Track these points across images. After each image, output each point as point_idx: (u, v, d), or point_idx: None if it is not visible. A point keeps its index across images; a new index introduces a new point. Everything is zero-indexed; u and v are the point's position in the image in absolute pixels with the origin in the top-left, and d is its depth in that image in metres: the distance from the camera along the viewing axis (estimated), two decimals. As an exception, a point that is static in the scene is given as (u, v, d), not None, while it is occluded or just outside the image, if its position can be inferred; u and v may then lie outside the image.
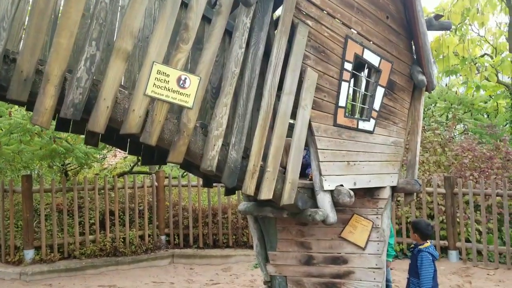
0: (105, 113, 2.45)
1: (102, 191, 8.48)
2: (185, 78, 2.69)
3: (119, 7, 2.81)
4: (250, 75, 3.03)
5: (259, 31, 3.06)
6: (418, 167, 8.35)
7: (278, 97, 3.27)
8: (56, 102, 2.34)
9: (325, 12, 3.53)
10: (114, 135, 3.31)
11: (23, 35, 2.43)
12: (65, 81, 2.38)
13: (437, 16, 4.59)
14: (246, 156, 3.09)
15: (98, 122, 2.44)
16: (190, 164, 3.31)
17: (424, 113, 12.61)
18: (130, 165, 11.05)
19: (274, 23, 3.38)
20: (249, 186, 3.05)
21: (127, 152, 3.54)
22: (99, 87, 2.46)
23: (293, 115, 3.37)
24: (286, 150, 3.34)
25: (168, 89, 2.64)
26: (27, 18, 2.38)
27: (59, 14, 2.61)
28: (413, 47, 4.51)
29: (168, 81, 2.64)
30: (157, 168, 10.99)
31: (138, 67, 3.21)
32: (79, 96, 2.38)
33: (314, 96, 3.39)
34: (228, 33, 3.20)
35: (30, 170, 10.15)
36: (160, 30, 2.58)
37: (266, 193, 3.12)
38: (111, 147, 9.11)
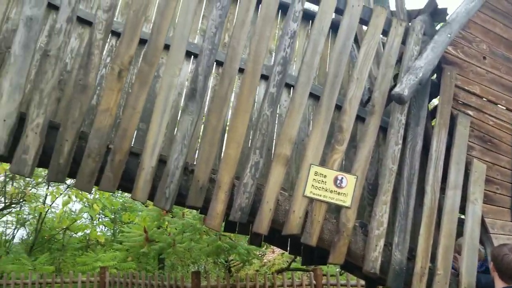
0: (268, 216, 2.59)
1: (262, 288, 8.57)
2: (342, 178, 2.73)
3: (277, 116, 3.07)
4: (409, 171, 2.93)
5: (415, 126, 3.00)
6: None
7: (442, 191, 3.06)
8: (226, 207, 2.57)
9: (487, 100, 3.33)
10: (276, 235, 3.43)
11: (197, 149, 2.80)
12: (233, 187, 2.62)
13: None
14: (411, 257, 2.89)
15: (262, 224, 2.58)
16: (351, 265, 3.21)
17: None
18: (287, 262, 11.12)
19: (430, 115, 3.29)
20: (418, 290, 2.80)
21: (288, 252, 3.60)
22: (262, 190, 2.64)
23: (461, 211, 3.10)
24: (457, 250, 3.03)
25: (326, 190, 2.70)
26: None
27: (227, 128, 2.95)
28: None
29: (326, 182, 2.70)
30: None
31: (294, 169, 3.38)
32: (246, 200, 2.58)
33: (485, 189, 3.09)
34: (381, 129, 3.20)
35: (198, 266, 10.92)
36: (316, 134, 2.72)
37: (438, 299, 2.81)
38: (269, 243, 9.34)
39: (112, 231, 12.52)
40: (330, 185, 2.70)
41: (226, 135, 2.81)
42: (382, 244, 2.76)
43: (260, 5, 2.74)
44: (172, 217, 7.88)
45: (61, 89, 2.68)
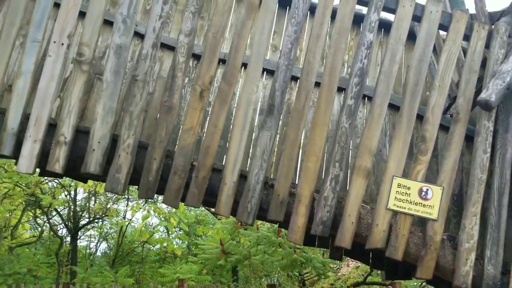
0: (351, 229, 2.56)
1: (338, 302, 8.42)
2: (427, 190, 2.64)
3: (354, 128, 3.04)
4: (500, 180, 2.77)
5: (504, 133, 2.84)
6: None
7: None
8: (307, 220, 2.58)
9: None
10: (357, 249, 3.37)
11: (274, 162, 2.83)
12: (313, 200, 2.62)
13: None
14: (506, 271, 2.72)
15: (345, 237, 2.56)
16: (437, 279, 3.07)
17: None
18: (362, 275, 10.83)
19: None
20: (515, 308, 2.62)
21: (370, 266, 3.52)
22: (343, 204, 2.62)
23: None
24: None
25: (410, 202, 2.62)
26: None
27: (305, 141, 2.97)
28: None
29: (410, 194, 2.63)
30: (390, 278, 10.41)
31: (373, 181, 3.31)
32: (327, 213, 2.57)
33: None
34: (466, 137, 3.06)
35: (271, 278, 10.96)
36: (398, 145, 2.66)
37: (540, 318, 2.61)
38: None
39: (187, 243, 12.92)
40: (414, 197, 2.62)
41: (304, 148, 2.83)
42: (473, 257, 2.63)
43: (335, 18, 2.75)
44: (245, 230, 8.01)
45: (144, 110, 2.85)
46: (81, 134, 2.60)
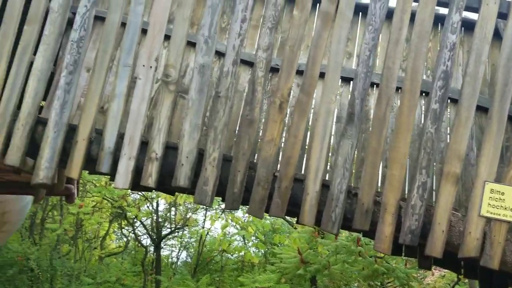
0: (441, 238, 2.47)
1: (423, 313, 8.06)
2: (524, 194, 2.48)
3: (441, 133, 2.93)
4: None
5: None
6: None
7: None
8: (394, 229, 2.53)
9: None
10: (447, 258, 3.24)
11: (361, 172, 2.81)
12: (400, 209, 2.56)
13: None
14: None
15: (435, 246, 2.47)
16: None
17: None
18: (449, 284, 10.28)
19: None
20: None
21: (462, 276, 3.36)
22: (432, 212, 2.54)
23: None
24: None
25: (505, 208, 2.48)
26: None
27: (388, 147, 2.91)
28: None
29: (504, 200, 2.49)
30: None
31: (460, 186, 3.17)
32: (415, 222, 2.50)
33: None
34: None
35: (350, 288, 10.73)
36: (488, 149, 2.53)
37: None
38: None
39: (263, 252, 13.05)
40: (510, 203, 2.47)
41: (388, 155, 2.78)
42: None
43: (414, 22, 2.69)
44: (322, 238, 7.94)
45: (227, 124, 2.95)
46: (170, 150, 2.76)
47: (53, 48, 2.79)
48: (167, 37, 2.86)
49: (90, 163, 2.77)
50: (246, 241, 12.55)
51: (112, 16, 2.80)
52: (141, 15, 2.78)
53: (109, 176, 3.03)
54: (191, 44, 3.07)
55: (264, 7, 3.51)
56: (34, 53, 2.85)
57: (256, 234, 10.98)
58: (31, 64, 2.83)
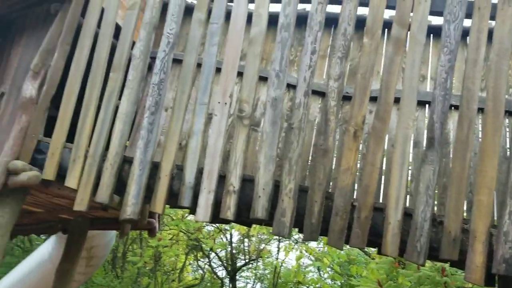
0: (542, 267, 2.27)
1: None
2: None
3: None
4: None
5: None
6: None
7: None
8: (486, 258, 2.37)
9: None
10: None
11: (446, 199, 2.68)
12: (491, 236, 2.40)
13: None
14: None
15: (536, 277, 2.28)
16: None
17: None
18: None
19: None
20: None
21: None
22: (529, 239, 2.35)
23: None
24: None
25: None
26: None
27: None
28: None
29: None
30: None
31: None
32: (509, 250, 2.33)
33: None
34: None
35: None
36: None
37: None
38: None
39: (340, 284, 12.64)
40: None
41: (473, 180, 2.64)
42: None
43: (492, 41, 2.59)
44: (402, 269, 7.56)
45: (302, 155, 2.97)
46: (246, 182, 2.82)
47: (136, 92, 3.01)
48: (238, 74, 2.98)
49: (171, 198, 2.90)
50: (321, 272, 12.26)
51: (188, 58, 2.98)
52: (215, 55, 2.92)
53: (184, 209, 3.15)
54: (261, 78, 3.16)
55: (330, 37, 3.56)
56: (119, 98, 3.08)
57: (332, 265, 10.69)
58: (116, 107, 3.06)
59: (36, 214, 4.45)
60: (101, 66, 3.09)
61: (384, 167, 3.14)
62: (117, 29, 3.18)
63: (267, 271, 13.14)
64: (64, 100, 3.09)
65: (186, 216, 10.33)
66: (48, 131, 3.19)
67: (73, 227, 4.70)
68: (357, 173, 2.90)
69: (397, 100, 2.72)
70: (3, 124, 3.28)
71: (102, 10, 3.19)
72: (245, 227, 9.38)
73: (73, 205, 2.95)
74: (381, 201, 3.00)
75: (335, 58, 2.75)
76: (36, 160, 3.08)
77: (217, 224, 10.48)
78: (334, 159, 3.10)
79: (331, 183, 3.08)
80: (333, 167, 3.10)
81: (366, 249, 9.75)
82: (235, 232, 11.67)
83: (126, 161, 2.99)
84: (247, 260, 12.02)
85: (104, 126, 2.98)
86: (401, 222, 2.52)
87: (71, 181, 2.93)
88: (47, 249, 5.87)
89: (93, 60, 3.12)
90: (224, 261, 12.00)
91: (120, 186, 2.97)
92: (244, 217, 2.93)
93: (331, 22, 3.31)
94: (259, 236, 11.84)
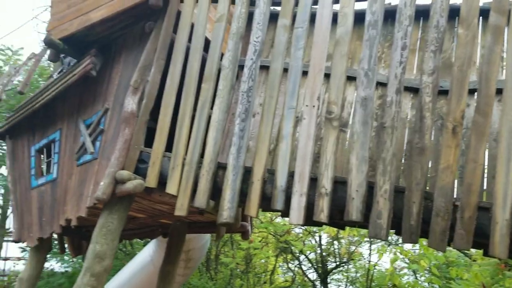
0: None
1: None
2: None
3: None
4: None
5: None
6: None
7: None
8: None
9: None
10: None
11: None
12: None
13: None
14: None
15: None
16: None
17: None
18: None
19: None
20: None
21: None
22: None
23: None
24: None
25: None
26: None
27: None
28: None
29: None
30: None
31: None
32: None
33: None
34: None
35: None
36: None
37: None
38: None
39: (438, 287, 11.98)
40: None
41: None
42: None
43: None
44: (509, 271, 6.98)
45: (396, 155, 2.88)
46: (337, 184, 2.80)
47: (227, 100, 3.12)
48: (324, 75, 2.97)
49: (264, 201, 2.96)
50: (418, 275, 11.72)
51: (274, 64, 3.03)
52: (301, 59, 2.94)
53: (275, 212, 3.19)
54: (347, 78, 3.12)
55: (419, 29, 3.42)
56: (211, 107, 3.22)
57: (429, 268, 10.17)
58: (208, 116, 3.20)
59: (139, 220, 4.78)
60: (193, 78, 3.25)
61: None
62: (206, 42, 3.33)
63: (359, 274, 12.85)
64: (162, 112, 3.29)
65: (275, 219, 10.44)
66: (147, 142, 3.43)
67: (173, 231, 4.98)
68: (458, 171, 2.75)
69: (497, 92, 2.54)
70: (109, 137, 3.57)
71: (192, 26, 3.36)
72: (334, 229, 9.26)
73: (173, 210, 3.13)
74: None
75: (428, 52, 2.63)
76: (139, 169, 3.32)
77: (305, 226, 10.46)
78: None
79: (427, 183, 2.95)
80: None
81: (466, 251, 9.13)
82: (324, 234, 11.56)
83: (219, 167, 3.11)
84: (338, 263, 11.84)
85: (199, 134, 3.13)
86: (509, 221, 2.35)
87: (171, 188, 3.12)
88: (148, 253, 6.29)
89: (186, 73, 3.29)
90: (314, 264, 11.94)
91: (214, 191, 3.10)
92: (336, 219, 2.91)
93: (419, 14, 3.18)
94: (349, 238, 11.63)
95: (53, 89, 4.13)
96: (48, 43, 3.89)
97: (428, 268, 10.10)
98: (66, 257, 10.56)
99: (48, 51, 4.32)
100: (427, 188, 2.81)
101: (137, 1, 3.43)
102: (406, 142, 3.15)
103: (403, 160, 3.15)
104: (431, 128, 2.60)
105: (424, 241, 6.03)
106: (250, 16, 3.27)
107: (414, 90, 3.19)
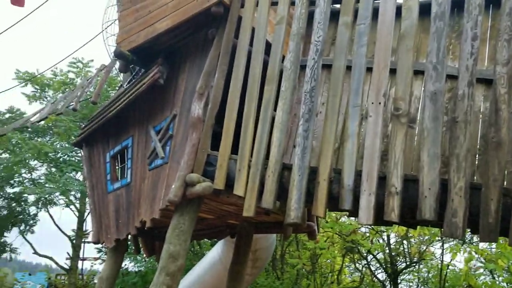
0: None
1: None
2: None
3: None
4: None
5: None
6: None
7: None
8: None
9: None
10: None
11: None
12: None
13: None
14: None
15: None
16: None
17: None
18: None
19: None
20: None
21: None
22: None
23: None
24: None
25: None
26: None
27: None
28: None
29: None
30: None
31: None
32: None
33: None
34: None
35: None
36: None
37: None
38: None
39: (519, 288, 11.22)
40: None
41: None
42: None
43: None
44: None
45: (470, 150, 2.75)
46: (408, 182, 2.72)
47: (290, 101, 3.14)
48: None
49: (331, 201, 2.94)
50: (496, 275, 11.06)
51: (337, 63, 3.00)
52: (365, 56, 2.89)
53: (343, 212, 3.15)
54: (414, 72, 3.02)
55: (489, 18, 3.24)
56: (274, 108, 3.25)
57: (507, 267, 9.56)
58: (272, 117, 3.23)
59: (207, 220, 4.92)
60: (256, 80, 3.30)
61: None
62: (267, 45, 3.36)
63: (431, 274, 12.34)
64: (227, 116, 3.37)
65: (340, 218, 10.28)
66: (214, 146, 3.52)
67: (240, 231, 5.06)
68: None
69: None
70: (178, 141, 3.71)
71: (253, 30, 3.41)
72: (403, 228, 8.96)
73: (240, 211, 3.19)
74: None
75: (501, 41, 2.50)
76: (207, 172, 3.42)
77: (372, 226, 10.20)
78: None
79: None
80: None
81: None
82: (392, 234, 11.22)
83: (284, 168, 3.13)
84: (408, 263, 11.45)
85: (263, 136, 3.17)
86: None
87: (238, 189, 3.18)
88: (217, 252, 6.44)
89: (248, 76, 3.35)
90: (383, 264, 11.63)
91: (280, 192, 3.12)
92: (407, 218, 2.83)
93: (488, 2, 3.01)
94: (419, 237, 11.20)
95: (124, 98, 4.34)
96: (118, 55, 4.11)
97: (506, 268, 9.49)
98: (138, 257, 11.08)
99: (118, 63, 4.56)
100: (505, 184, 2.66)
101: (199, 10, 3.53)
102: (480, 137, 3.00)
103: (477, 156, 3.00)
104: (507, 121, 2.46)
105: (501, 240, 5.70)
106: (309, 16, 3.26)
107: (486, 82, 3.03)
